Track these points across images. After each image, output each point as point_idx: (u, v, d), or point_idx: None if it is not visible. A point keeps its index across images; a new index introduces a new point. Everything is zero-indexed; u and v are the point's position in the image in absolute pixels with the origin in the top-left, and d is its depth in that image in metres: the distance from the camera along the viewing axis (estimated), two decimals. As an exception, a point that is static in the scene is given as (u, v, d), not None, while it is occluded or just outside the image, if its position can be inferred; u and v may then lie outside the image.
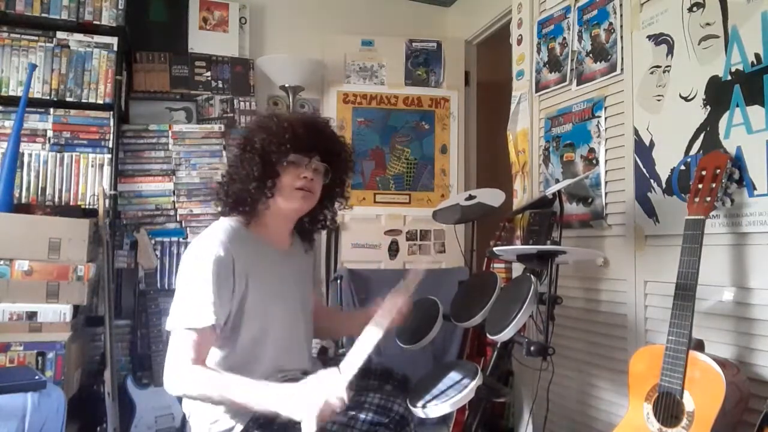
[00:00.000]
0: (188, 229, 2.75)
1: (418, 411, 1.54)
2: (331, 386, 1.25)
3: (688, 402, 1.43)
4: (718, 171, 1.57)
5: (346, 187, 1.67)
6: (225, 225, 1.46)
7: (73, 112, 2.54)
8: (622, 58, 2.08)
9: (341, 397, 1.24)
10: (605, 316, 2.11)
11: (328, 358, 1.71)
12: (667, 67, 1.88)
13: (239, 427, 1.36)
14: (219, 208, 1.52)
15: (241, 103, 3.01)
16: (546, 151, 2.47)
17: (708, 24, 1.74)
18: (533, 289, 1.66)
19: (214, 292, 1.33)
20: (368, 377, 1.61)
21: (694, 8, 1.79)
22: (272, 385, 1.32)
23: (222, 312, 1.35)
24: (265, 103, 3.20)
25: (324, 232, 3.20)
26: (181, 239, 2.73)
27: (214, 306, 1.32)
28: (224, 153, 2.79)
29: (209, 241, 1.39)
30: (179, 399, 1.49)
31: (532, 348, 1.69)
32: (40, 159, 2.48)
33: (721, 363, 1.43)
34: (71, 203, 2.49)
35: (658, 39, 1.92)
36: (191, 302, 1.33)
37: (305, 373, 1.49)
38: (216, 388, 1.30)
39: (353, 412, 1.36)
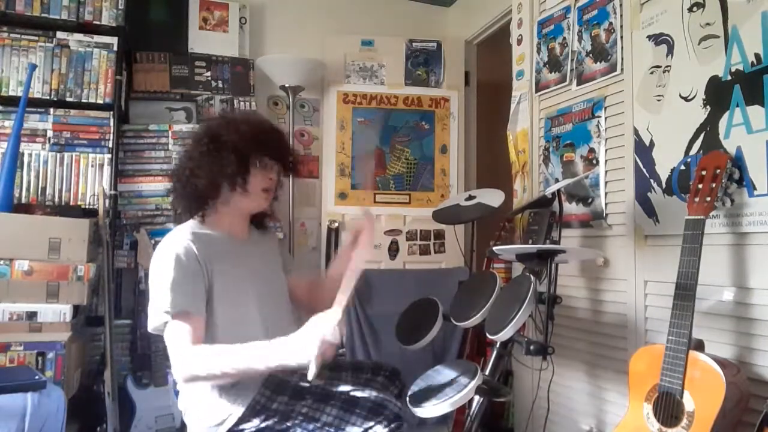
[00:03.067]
0: (188, 229, 2.74)
1: (418, 410, 1.54)
2: (324, 325, 1.29)
3: (688, 402, 1.43)
4: (718, 171, 1.57)
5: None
6: (183, 226, 1.53)
7: (73, 112, 2.54)
8: (622, 58, 2.08)
9: (335, 332, 1.28)
10: (605, 316, 2.11)
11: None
12: (667, 67, 1.88)
13: (237, 414, 1.38)
14: (177, 211, 1.58)
15: (241, 103, 3.01)
16: (546, 151, 2.47)
17: (708, 24, 1.74)
18: (533, 288, 1.66)
19: (184, 282, 1.37)
20: (360, 371, 1.64)
21: (694, 8, 1.79)
22: (273, 341, 1.34)
23: (198, 298, 1.39)
24: (265, 103, 3.21)
25: (324, 232, 3.21)
26: (181, 239, 2.72)
27: (187, 294, 1.37)
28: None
29: (170, 242, 1.44)
30: (176, 394, 1.51)
31: (531, 347, 1.69)
32: (40, 159, 2.47)
33: (721, 363, 1.43)
34: (71, 203, 2.49)
35: (658, 39, 1.92)
36: (167, 294, 1.36)
37: None
38: (222, 360, 1.32)
39: (348, 406, 1.39)
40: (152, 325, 1.39)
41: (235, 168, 1.48)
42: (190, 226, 1.53)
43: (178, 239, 1.45)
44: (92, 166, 2.54)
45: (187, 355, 1.33)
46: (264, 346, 1.33)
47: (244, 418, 1.38)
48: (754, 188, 1.58)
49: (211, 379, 1.37)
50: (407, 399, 1.62)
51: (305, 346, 1.27)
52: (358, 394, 1.43)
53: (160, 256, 1.43)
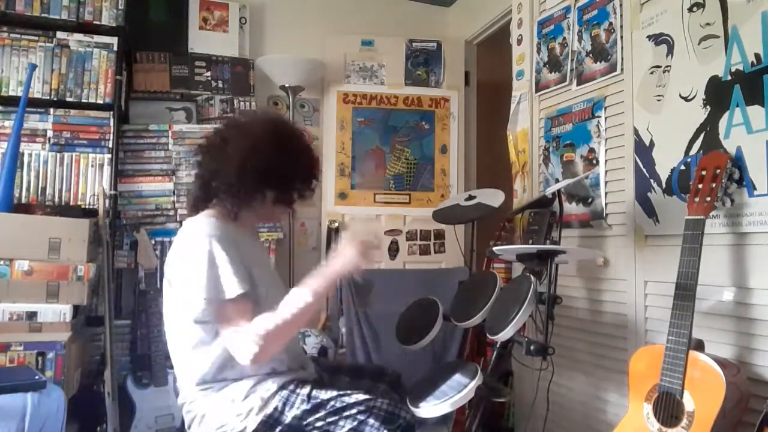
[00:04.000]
0: (188, 229, 2.74)
1: (418, 411, 1.54)
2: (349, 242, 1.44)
3: (688, 402, 1.43)
4: (718, 171, 1.57)
5: None
6: (206, 216, 1.47)
7: (73, 112, 2.53)
8: (622, 58, 2.08)
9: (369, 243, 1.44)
10: (605, 316, 2.11)
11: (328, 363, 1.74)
12: (667, 67, 1.88)
13: (251, 427, 1.36)
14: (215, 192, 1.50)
15: (241, 103, 3.01)
16: (546, 151, 2.47)
17: (708, 24, 1.74)
18: (533, 288, 1.66)
19: (234, 265, 1.37)
20: (362, 376, 1.62)
21: (694, 8, 1.79)
22: (314, 275, 1.43)
23: (246, 279, 1.38)
24: (265, 103, 3.20)
25: (324, 232, 3.20)
26: (181, 239, 2.72)
27: (238, 277, 1.36)
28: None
29: (205, 228, 1.41)
30: (176, 395, 1.51)
31: (531, 348, 1.69)
32: (40, 159, 2.47)
33: (721, 363, 1.43)
34: (71, 203, 2.48)
35: (658, 39, 1.92)
36: (220, 278, 1.35)
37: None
38: (281, 314, 1.35)
39: (363, 417, 1.38)
40: (198, 310, 1.37)
41: (287, 189, 1.52)
42: (212, 215, 1.47)
43: (210, 224, 1.42)
44: (92, 166, 2.53)
45: (251, 330, 1.33)
46: (311, 283, 1.41)
47: None
48: (754, 188, 1.58)
49: (279, 338, 1.36)
50: (407, 399, 1.61)
51: (348, 258, 1.41)
52: (371, 404, 1.41)
53: (200, 239, 1.39)
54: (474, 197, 2.35)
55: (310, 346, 2.65)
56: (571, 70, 2.33)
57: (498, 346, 1.84)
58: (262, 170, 1.44)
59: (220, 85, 3.01)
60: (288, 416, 1.37)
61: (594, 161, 2.19)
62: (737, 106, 1.63)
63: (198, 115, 2.98)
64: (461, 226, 3.10)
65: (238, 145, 1.45)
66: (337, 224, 3.20)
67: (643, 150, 1.95)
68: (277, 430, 1.37)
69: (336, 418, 1.38)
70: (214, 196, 1.48)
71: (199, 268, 1.35)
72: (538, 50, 2.55)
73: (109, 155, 2.55)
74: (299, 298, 1.37)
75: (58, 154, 2.50)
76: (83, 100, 2.53)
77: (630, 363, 1.63)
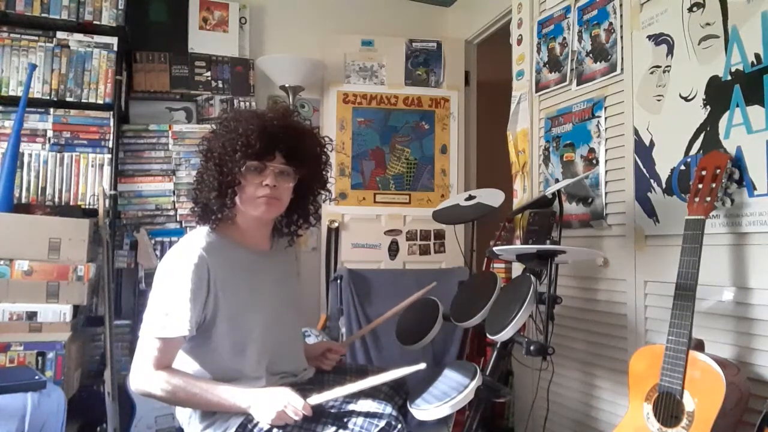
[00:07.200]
0: (188, 229, 2.75)
1: (418, 413, 1.53)
2: (292, 398, 1.29)
3: (688, 402, 1.44)
4: (718, 171, 1.57)
5: (325, 180, 1.58)
6: (202, 234, 1.44)
7: (73, 112, 2.54)
8: (622, 58, 2.08)
9: (299, 410, 1.28)
10: (605, 316, 2.11)
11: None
12: (667, 67, 1.88)
13: (232, 428, 1.35)
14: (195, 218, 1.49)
15: (241, 103, 3.01)
16: (546, 151, 2.47)
17: (708, 24, 1.74)
18: (533, 289, 1.66)
19: (187, 304, 1.32)
20: (366, 377, 1.60)
21: (694, 8, 1.79)
22: (236, 388, 1.34)
23: (193, 324, 1.34)
24: (265, 103, 3.21)
25: (324, 232, 3.20)
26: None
27: (185, 318, 1.32)
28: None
29: (186, 252, 1.37)
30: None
31: (531, 348, 1.69)
32: (40, 159, 2.48)
33: (721, 363, 1.43)
34: (71, 203, 2.49)
35: (658, 39, 1.92)
36: (165, 312, 1.33)
37: (295, 375, 1.52)
38: (179, 388, 1.31)
39: (342, 421, 1.35)
40: (142, 332, 1.36)
41: (219, 181, 1.39)
42: (209, 234, 1.44)
43: (194, 249, 1.37)
44: (92, 166, 2.54)
45: (147, 376, 1.31)
46: (226, 392, 1.33)
47: None
48: (754, 188, 1.58)
49: (164, 401, 1.34)
50: (408, 401, 1.61)
51: (264, 409, 1.29)
52: (351, 407, 1.36)
53: (175, 263, 1.37)
54: (474, 197, 2.35)
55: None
56: (571, 70, 2.33)
57: (498, 346, 1.84)
58: (206, 152, 1.43)
59: (220, 85, 3.01)
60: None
61: (594, 161, 2.19)
62: (737, 106, 1.63)
63: (198, 115, 2.98)
64: (461, 226, 3.10)
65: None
66: (337, 224, 3.20)
67: (643, 150, 1.95)
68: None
69: (313, 424, 1.33)
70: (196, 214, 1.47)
71: (156, 292, 1.36)
72: (538, 50, 2.55)
73: (109, 155, 2.56)
74: (226, 395, 1.33)
75: (58, 154, 2.50)
76: (83, 100, 2.53)
77: (630, 363, 1.63)
